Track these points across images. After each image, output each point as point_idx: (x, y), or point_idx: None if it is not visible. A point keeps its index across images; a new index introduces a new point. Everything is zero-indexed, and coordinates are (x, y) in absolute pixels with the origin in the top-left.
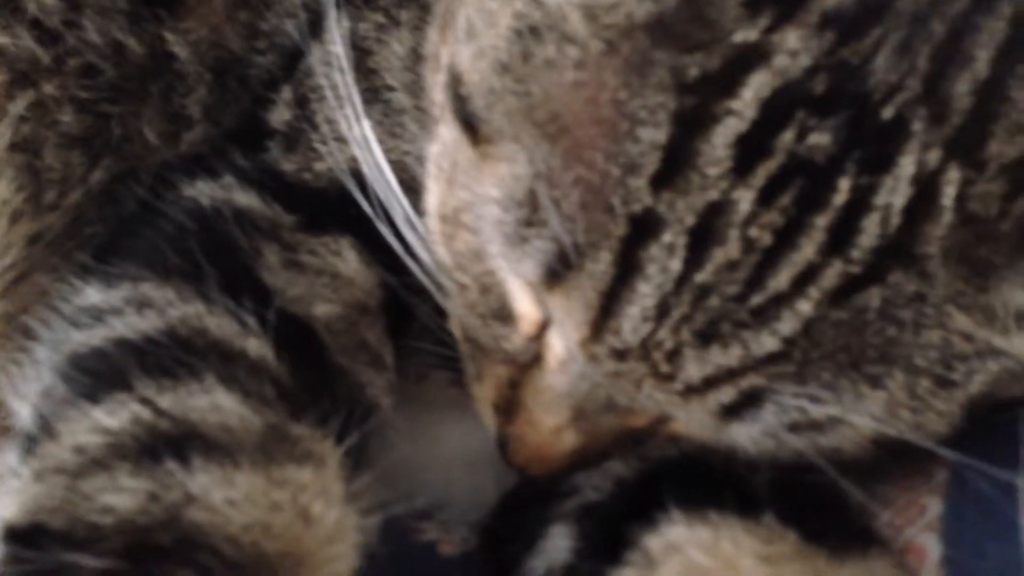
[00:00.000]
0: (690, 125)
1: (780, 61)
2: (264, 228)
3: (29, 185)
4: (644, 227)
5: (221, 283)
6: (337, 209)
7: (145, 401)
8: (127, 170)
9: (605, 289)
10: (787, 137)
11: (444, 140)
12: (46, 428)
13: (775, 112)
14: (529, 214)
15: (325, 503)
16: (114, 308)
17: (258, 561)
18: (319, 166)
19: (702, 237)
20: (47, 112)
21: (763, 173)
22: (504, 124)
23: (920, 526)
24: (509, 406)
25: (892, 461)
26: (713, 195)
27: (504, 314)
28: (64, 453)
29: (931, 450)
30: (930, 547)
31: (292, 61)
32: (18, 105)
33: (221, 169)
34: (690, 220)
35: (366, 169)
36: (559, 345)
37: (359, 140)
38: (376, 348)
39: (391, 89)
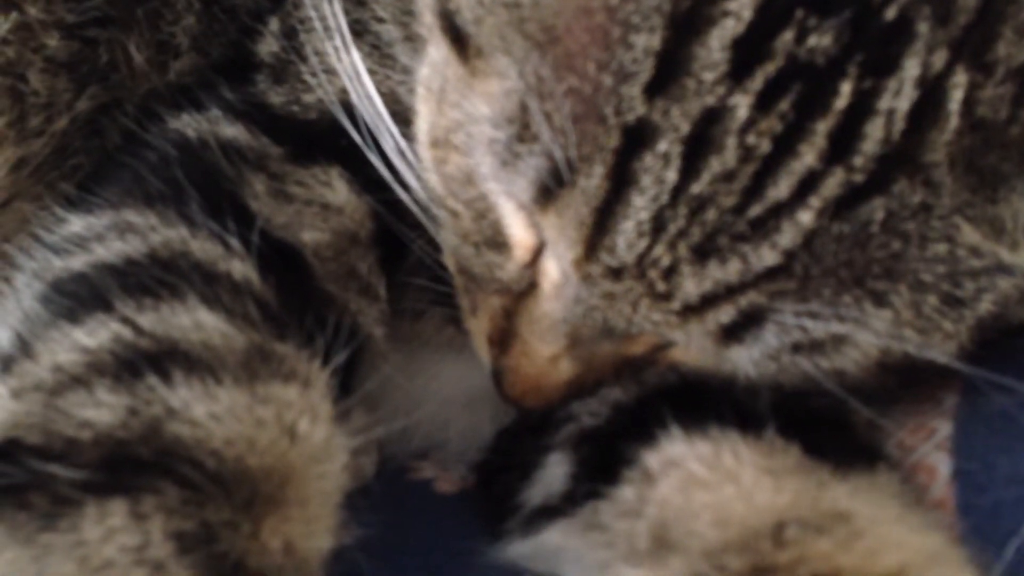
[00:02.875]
0: (685, 28)
1: None
2: (251, 159)
3: (13, 109)
4: (638, 137)
5: (204, 207)
6: (326, 140)
7: (126, 320)
8: (113, 100)
9: (599, 204)
10: (786, 39)
11: (433, 60)
12: (24, 348)
13: (773, 13)
14: (520, 130)
15: (311, 421)
16: (96, 234)
17: (241, 476)
18: (308, 98)
19: (698, 146)
20: (32, 35)
21: (761, 77)
22: (494, 37)
23: (930, 446)
24: (504, 337)
25: (899, 387)
26: (709, 101)
27: (498, 241)
28: (42, 372)
29: (939, 374)
30: (940, 465)
31: None
32: (1, 28)
33: (208, 102)
34: (685, 128)
35: (356, 100)
36: (554, 270)
37: (348, 71)
38: (367, 278)
39: (380, 20)
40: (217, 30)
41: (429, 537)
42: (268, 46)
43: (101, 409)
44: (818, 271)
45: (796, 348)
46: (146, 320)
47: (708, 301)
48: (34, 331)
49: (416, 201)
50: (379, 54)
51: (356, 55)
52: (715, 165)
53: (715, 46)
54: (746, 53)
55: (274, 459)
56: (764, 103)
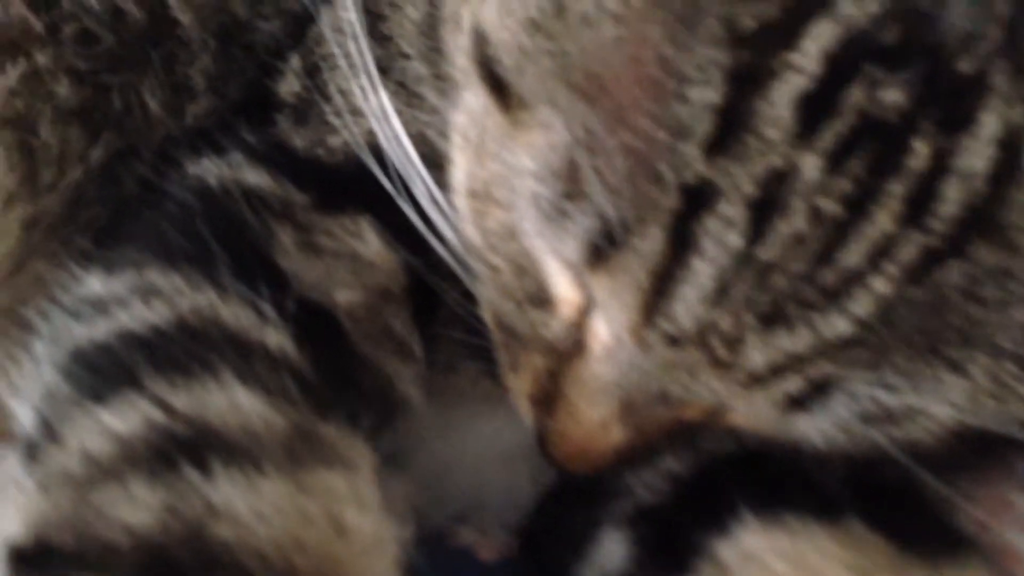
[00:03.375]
0: (746, 83)
1: (845, 8)
2: (276, 208)
3: (24, 165)
4: (698, 198)
5: (233, 268)
6: (354, 187)
7: (157, 400)
8: (127, 147)
9: (656, 268)
10: (855, 94)
11: (470, 107)
12: (49, 432)
13: (841, 66)
14: (569, 186)
15: (360, 511)
16: (118, 298)
17: None
18: (333, 141)
19: (764, 209)
20: (41, 84)
21: (830, 135)
22: (538, 87)
23: (1012, 524)
24: (548, 398)
25: (976, 455)
26: (775, 161)
27: (541, 298)
28: (70, 460)
29: (1015, 442)
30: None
31: (300, 27)
32: (9, 77)
33: (228, 145)
34: (750, 190)
35: (384, 143)
36: (604, 331)
37: (376, 112)
38: (403, 337)
39: (407, 57)
40: (235, 69)
41: None
42: (289, 85)
43: (138, 508)
44: (891, 339)
45: (866, 418)
46: (179, 400)
47: (775, 371)
48: (58, 411)
49: (451, 252)
50: (406, 93)
51: (384, 94)
52: (783, 229)
53: (780, 102)
54: (813, 109)
55: (322, 558)
56: (834, 163)
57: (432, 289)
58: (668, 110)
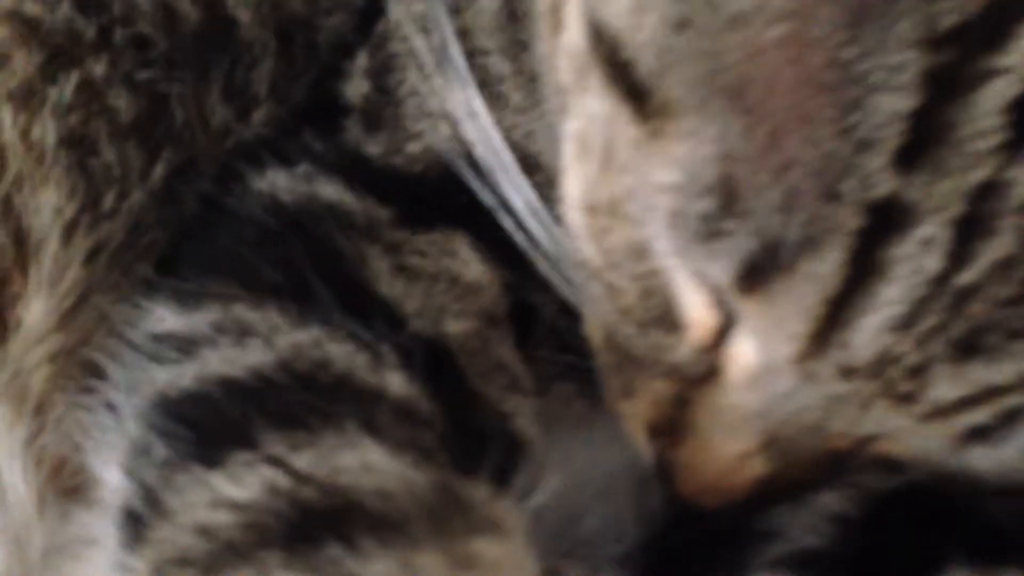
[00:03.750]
0: (945, 87)
1: None
2: (362, 227)
3: (83, 189)
4: (889, 218)
5: (336, 299)
6: (441, 199)
7: (276, 462)
8: (187, 162)
9: (833, 295)
10: None
11: (591, 114)
12: (152, 503)
13: None
14: (723, 203)
15: None
16: (202, 336)
17: None
18: (411, 148)
19: (968, 229)
20: (97, 96)
21: None
22: (685, 93)
23: None
24: (674, 428)
25: None
26: (979, 175)
27: (669, 320)
28: (185, 538)
29: None
30: None
31: (366, 22)
32: (64, 90)
33: (295, 155)
34: (954, 208)
35: (476, 147)
36: (748, 357)
37: (463, 113)
38: (513, 368)
39: (485, 53)
40: (297, 72)
41: None
42: (356, 87)
43: None
44: None
45: None
46: (302, 460)
47: (964, 404)
48: (159, 477)
49: (553, 268)
50: (487, 93)
51: (474, 91)
52: (989, 251)
53: (985, 108)
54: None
55: None
56: None
57: (529, 308)
58: (848, 119)
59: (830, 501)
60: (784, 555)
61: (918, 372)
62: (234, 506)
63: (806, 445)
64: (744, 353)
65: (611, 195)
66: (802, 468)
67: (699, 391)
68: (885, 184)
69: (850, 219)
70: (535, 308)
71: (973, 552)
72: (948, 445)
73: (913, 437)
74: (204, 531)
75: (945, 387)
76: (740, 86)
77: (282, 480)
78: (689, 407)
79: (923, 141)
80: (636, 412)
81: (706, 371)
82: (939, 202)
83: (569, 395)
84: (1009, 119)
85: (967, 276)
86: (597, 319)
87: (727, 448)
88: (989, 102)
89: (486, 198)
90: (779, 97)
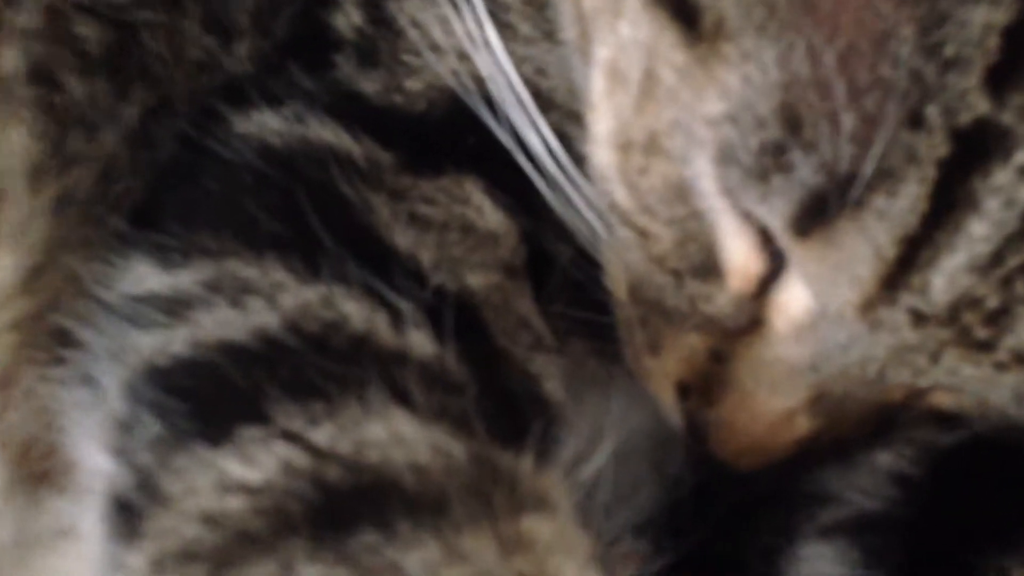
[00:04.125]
0: None
1: None
2: (365, 172)
3: (50, 129)
4: (979, 145)
5: (345, 252)
6: (447, 141)
7: (293, 437)
8: (161, 101)
9: (910, 233)
10: None
11: (626, 41)
12: (148, 489)
13: None
14: (783, 135)
15: (573, 562)
16: (192, 296)
17: None
18: (411, 84)
19: None
20: (61, 22)
21: None
22: (742, 11)
23: None
24: (710, 385)
25: None
26: None
27: (709, 268)
28: (190, 528)
29: None
30: None
31: None
32: (25, 15)
33: (282, 94)
34: None
35: (490, 81)
36: (799, 305)
37: (474, 40)
38: (536, 325)
39: None
40: (282, 1)
41: None
42: (348, 17)
43: None
44: None
45: None
46: (323, 435)
47: None
48: (154, 459)
49: (573, 212)
50: (495, 23)
51: (485, 17)
52: None
53: None
54: None
55: None
56: None
57: (542, 258)
58: (933, 35)
59: (888, 460)
60: (840, 520)
61: (999, 316)
62: (246, 489)
63: (858, 400)
64: (795, 301)
65: (650, 130)
66: (851, 425)
67: (740, 344)
68: (976, 107)
69: (935, 147)
70: (550, 258)
71: None
72: (1019, 393)
73: (982, 388)
74: (212, 519)
75: None
76: (805, 2)
77: (301, 458)
78: (728, 362)
79: (1018, 59)
80: (664, 369)
81: (748, 322)
82: None
83: (583, 353)
84: None
85: None
86: (622, 268)
87: (771, 405)
88: None
89: (500, 138)
90: (853, 11)
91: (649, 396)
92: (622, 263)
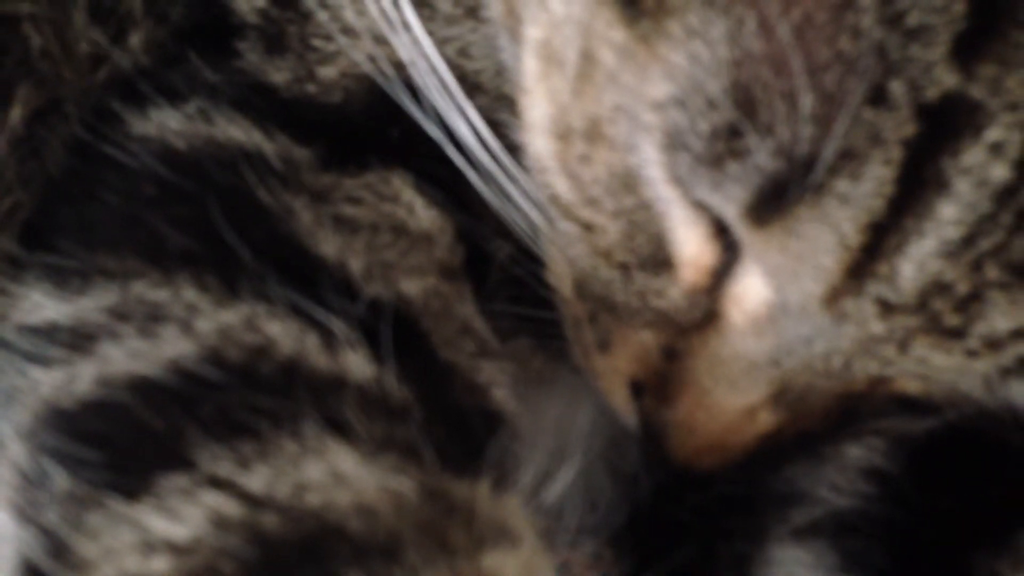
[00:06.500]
0: None
1: None
2: (280, 172)
3: None
4: (948, 122)
5: (266, 267)
6: (368, 133)
7: (221, 484)
8: (49, 103)
9: (876, 219)
10: None
11: (559, 19)
12: (60, 553)
13: None
14: (735, 117)
15: None
16: (95, 326)
17: None
18: (326, 72)
19: None
20: None
21: None
22: None
23: None
24: (665, 383)
25: None
26: None
27: (659, 260)
28: None
29: None
30: None
31: None
32: None
33: (184, 89)
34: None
35: (410, 66)
36: (756, 298)
37: (391, 21)
38: (479, 329)
39: None
40: None
41: None
42: (250, 0)
43: None
44: None
45: None
46: (256, 480)
47: (1017, 335)
48: (62, 516)
49: (510, 206)
50: (411, 1)
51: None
52: None
53: None
54: None
55: None
56: None
57: (479, 256)
58: (894, 4)
59: (858, 454)
60: (814, 521)
61: (969, 302)
62: (172, 548)
63: (822, 392)
64: (752, 294)
65: (590, 116)
66: (814, 418)
67: (695, 340)
68: (943, 81)
69: (900, 126)
70: (488, 255)
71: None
72: (986, 381)
73: (952, 376)
74: None
75: (999, 317)
76: None
77: (232, 507)
78: (682, 359)
79: (988, 26)
80: (615, 368)
81: (703, 317)
82: (1009, 99)
83: (526, 351)
84: None
85: None
86: (566, 264)
87: (730, 402)
88: None
89: (425, 128)
90: None
91: (601, 395)
92: (566, 258)
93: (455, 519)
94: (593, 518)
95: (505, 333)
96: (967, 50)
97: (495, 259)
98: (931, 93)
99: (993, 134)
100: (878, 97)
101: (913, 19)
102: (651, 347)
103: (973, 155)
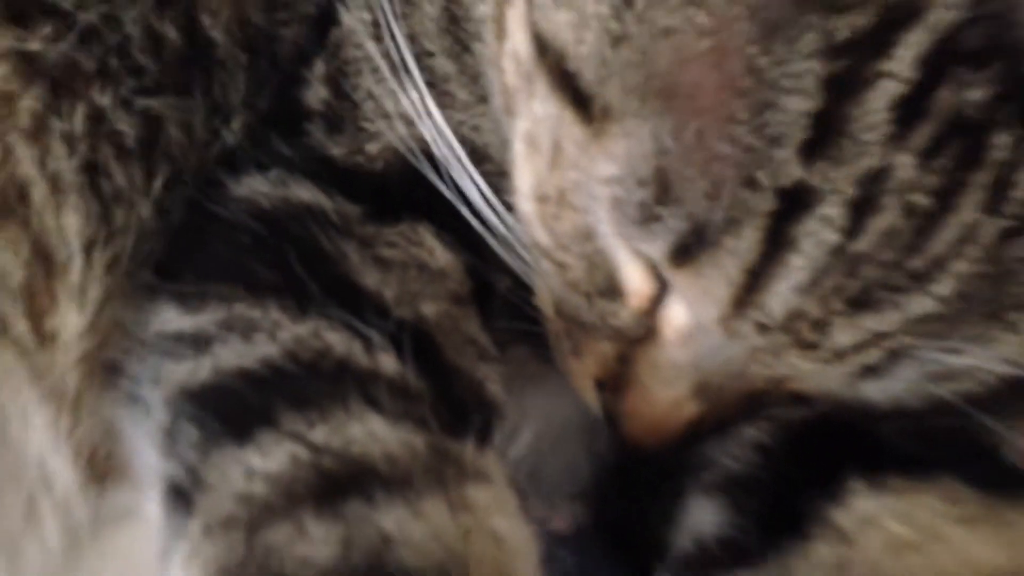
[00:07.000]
0: (842, 90)
1: (934, 16)
2: (338, 225)
3: (98, 209)
4: (796, 201)
5: (326, 295)
6: (403, 193)
7: (297, 437)
8: (176, 174)
9: (751, 266)
10: (945, 95)
11: (537, 116)
12: (195, 479)
13: (931, 70)
14: (657, 193)
15: (506, 519)
16: (208, 334)
17: None
18: (371, 147)
19: (861, 207)
20: (103, 123)
21: (923, 135)
22: (622, 99)
23: None
24: (618, 382)
25: (1018, 399)
26: (871, 162)
27: (612, 291)
28: (228, 505)
29: None
30: None
31: (320, 32)
32: (72, 120)
33: (267, 161)
34: (848, 190)
35: (432, 144)
36: (681, 319)
37: (418, 111)
38: (481, 340)
39: (430, 55)
40: (263, 82)
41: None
42: (315, 92)
43: (315, 544)
44: (963, 310)
45: (930, 377)
46: (318, 435)
47: (857, 348)
48: (197, 457)
49: (506, 248)
50: (435, 92)
51: (426, 92)
52: (877, 224)
53: (876, 107)
54: (907, 112)
55: (490, 566)
56: (926, 160)
57: (486, 284)
58: (762, 119)
59: (751, 433)
60: (716, 480)
61: (820, 325)
62: (266, 477)
63: (730, 389)
64: (676, 316)
65: (559, 187)
66: (727, 408)
67: (638, 349)
68: (793, 173)
69: (764, 203)
70: (492, 285)
71: (866, 465)
72: (846, 381)
73: (818, 377)
74: (243, 499)
75: (842, 336)
76: (670, 92)
77: (303, 453)
78: (630, 363)
79: (823, 136)
80: (584, 370)
81: (644, 333)
82: (836, 186)
83: (524, 357)
84: (894, 115)
85: (859, 245)
86: (547, 292)
87: (664, 396)
88: (878, 101)
89: (443, 190)
90: (703, 100)
91: (576, 390)
92: (547, 288)
93: (449, 464)
94: (570, 485)
95: (506, 343)
96: (809, 151)
97: (498, 288)
98: (785, 180)
99: (825, 210)
100: (751, 182)
101: (774, 130)
102: (608, 354)
103: (812, 224)
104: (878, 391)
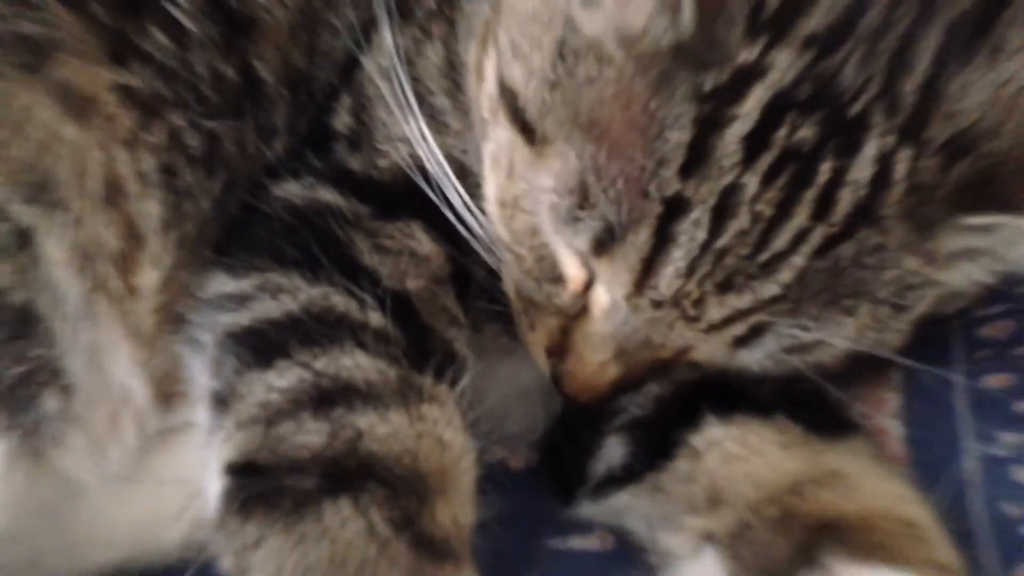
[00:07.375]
0: (707, 127)
1: (774, 75)
2: (350, 220)
3: (172, 200)
4: (675, 207)
5: (334, 267)
6: (403, 199)
7: (304, 365)
8: (231, 179)
9: (645, 256)
10: (782, 133)
11: (499, 140)
12: (232, 391)
13: (772, 114)
14: (580, 199)
15: (452, 431)
16: (248, 294)
17: (418, 476)
18: (382, 163)
19: (720, 213)
20: (178, 138)
21: (765, 161)
22: (556, 130)
23: (884, 414)
24: (561, 349)
25: (861, 368)
26: (728, 180)
27: (555, 276)
28: (253, 409)
29: (889, 358)
30: (893, 429)
31: (348, 73)
32: (159, 137)
33: (302, 171)
34: (712, 200)
35: (426, 162)
36: (604, 299)
37: (416, 137)
38: (453, 311)
39: (432, 93)
40: (302, 111)
41: (515, 503)
42: (342, 120)
43: (311, 434)
44: (806, 295)
45: (788, 349)
46: (319, 364)
47: (727, 321)
48: (233, 378)
49: (480, 244)
50: (435, 122)
51: (423, 123)
52: (734, 226)
53: (731, 140)
54: (754, 144)
55: (434, 462)
56: (768, 180)
57: (465, 272)
58: (653, 146)
59: (654, 388)
60: (624, 422)
61: (698, 302)
62: (280, 390)
63: (642, 354)
64: (600, 296)
65: (514, 195)
66: (640, 370)
67: (575, 324)
68: (674, 186)
69: (654, 208)
70: (470, 272)
71: (721, 405)
72: (724, 351)
73: (704, 347)
74: (263, 404)
75: (714, 312)
76: (589, 125)
77: (307, 375)
78: (569, 335)
79: (695, 160)
80: (537, 341)
81: (579, 310)
82: (703, 197)
83: (497, 332)
84: (744, 146)
85: (721, 242)
86: (510, 278)
87: (593, 360)
88: (733, 135)
89: (433, 197)
90: (613, 132)
91: (532, 358)
92: (510, 275)
93: (412, 389)
94: (527, 433)
95: (483, 321)
96: (685, 171)
97: (476, 276)
98: (668, 191)
99: (696, 214)
100: (645, 193)
101: (661, 154)
102: (554, 328)
103: (687, 225)
104: (750, 359)
